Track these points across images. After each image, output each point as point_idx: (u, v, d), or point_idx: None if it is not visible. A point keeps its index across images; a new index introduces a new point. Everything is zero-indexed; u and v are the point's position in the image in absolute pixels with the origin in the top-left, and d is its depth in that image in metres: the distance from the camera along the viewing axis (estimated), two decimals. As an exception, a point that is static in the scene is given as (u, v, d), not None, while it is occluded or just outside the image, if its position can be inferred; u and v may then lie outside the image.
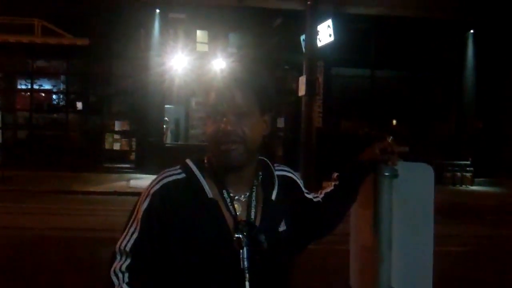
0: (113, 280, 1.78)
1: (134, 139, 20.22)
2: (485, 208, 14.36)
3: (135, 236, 1.81)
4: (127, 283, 1.77)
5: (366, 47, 20.28)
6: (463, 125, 20.98)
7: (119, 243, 1.83)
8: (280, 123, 21.01)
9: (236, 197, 1.85)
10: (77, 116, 20.61)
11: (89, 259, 7.77)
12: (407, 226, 2.03)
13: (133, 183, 16.24)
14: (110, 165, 19.42)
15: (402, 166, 2.03)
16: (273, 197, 1.90)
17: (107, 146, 20.40)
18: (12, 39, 18.38)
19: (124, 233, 1.83)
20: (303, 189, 2.07)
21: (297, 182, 2.05)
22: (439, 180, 18.81)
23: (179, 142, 20.78)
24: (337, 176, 2.13)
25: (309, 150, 15.84)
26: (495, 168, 20.39)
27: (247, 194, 1.87)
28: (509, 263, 8.75)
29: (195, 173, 1.85)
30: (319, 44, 16.73)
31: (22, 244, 8.86)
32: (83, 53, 19.01)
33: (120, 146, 20.46)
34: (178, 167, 1.88)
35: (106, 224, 9.79)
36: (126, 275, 1.78)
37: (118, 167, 19.46)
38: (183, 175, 1.85)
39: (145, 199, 1.82)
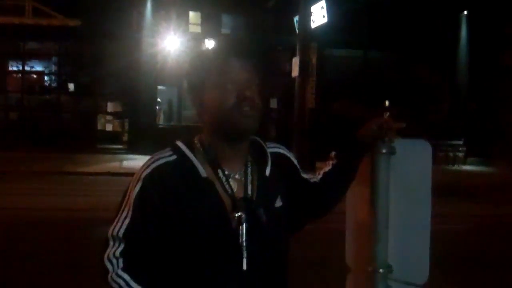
0: (108, 266, 1.75)
1: (126, 120, 20.19)
2: (478, 187, 14.43)
3: (127, 221, 1.77)
4: (122, 269, 1.74)
5: (360, 28, 20.22)
6: (456, 105, 21.04)
7: (111, 229, 1.79)
8: (273, 104, 21.00)
9: (231, 175, 1.83)
10: (69, 98, 20.55)
11: (82, 239, 7.76)
12: (404, 204, 2.01)
13: (126, 163, 16.22)
14: (103, 146, 19.40)
15: (399, 143, 2.02)
16: (267, 173, 1.88)
17: (99, 127, 20.38)
18: (2, 20, 18.24)
19: (116, 219, 1.80)
20: (298, 166, 2.05)
21: (291, 159, 2.04)
22: (432, 160, 18.87)
23: (172, 123, 20.75)
24: (335, 154, 2.10)
25: (302, 131, 15.88)
26: (487, 147, 20.49)
27: (242, 171, 1.85)
28: (505, 241, 8.80)
29: (187, 154, 1.82)
30: (313, 25, 16.69)
31: (15, 225, 8.84)
32: (75, 34, 18.88)
33: (113, 127, 20.43)
34: (168, 149, 1.85)
35: (99, 204, 9.77)
36: (121, 260, 1.75)
37: (111, 148, 19.44)
38: (174, 157, 1.81)
39: (136, 184, 1.78)
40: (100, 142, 19.69)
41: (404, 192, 2.01)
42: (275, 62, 20.25)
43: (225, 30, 20.41)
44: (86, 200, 11.13)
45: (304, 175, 2.07)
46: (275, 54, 20.47)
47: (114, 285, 1.73)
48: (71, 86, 20.59)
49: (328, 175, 2.07)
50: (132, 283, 1.73)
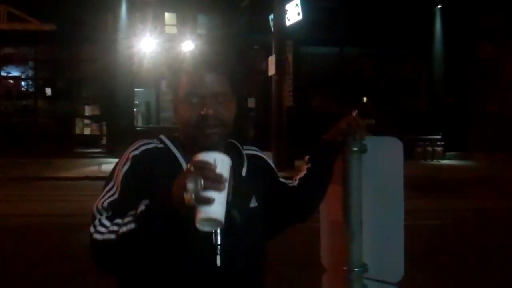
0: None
1: (104, 124, 20.04)
2: (457, 182, 14.56)
3: (114, 197, 1.79)
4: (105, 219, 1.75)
5: (335, 25, 20.28)
6: (433, 100, 21.17)
7: (96, 204, 1.80)
8: (251, 103, 20.97)
9: None
10: (46, 102, 20.36)
11: (61, 245, 7.71)
12: (377, 201, 2.02)
13: (104, 167, 16.09)
14: (81, 150, 19.23)
15: (370, 141, 2.02)
16: (243, 173, 1.92)
17: (77, 131, 20.21)
18: (-24, 26, 18.01)
19: (102, 195, 1.82)
20: (274, 168, 2.09)
21: (267, 161, 2.08)
22: (411, 155, 19.01)
23: (150, 125, 20.65)
24: (308, 158, 2.12)
25: (281, 130, 15.87)
26: (465, 141, 20.66)
27: None
28: (484, 234, 8.87)
29: (169, 146, 1.87)
30: (288, 23, 16.70)
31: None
32: (51, 39, 18.67)
33: (91, 130, 20.27)
34: (155, 139, 1.91)
35: (78, 209, 9.65)
36: (105, 221, 1.76)
37: (89, 152, 19.27)
38: (161, 145, 1.88)
39: (126, 162, 1.83)
40: (78, 146, 19.52)
41: (377, 190, 2.02)
42: (251, 62, 20.26)
43: (201, 31, 20.35)
44: (64, 206, 11.03)
45: (282, 179, 2.09)
46: (251, 53, 20.47)
47: (94, 236, 1.73)
48: (48, 91, 20.39)
49: (304, 180, 2.09)
50: (106, 221, 1.74)
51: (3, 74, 20.33)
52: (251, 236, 1.87)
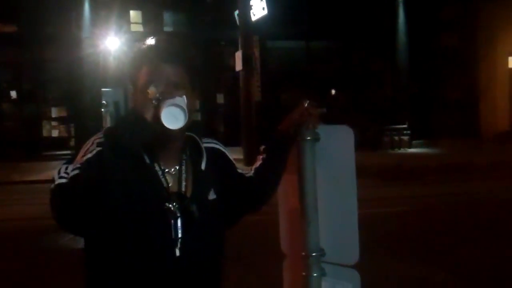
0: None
1: (72, 125, 19.87)
2: (424, 169, 14.75)
3: (75, 172, 1.71)
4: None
5: (300, 19, 20.41)
6: (399, 90, 21.43)
7: (56, 170, 1.78)
8: (220, 99, 20.99)
9: (166, 170, 1.89)
10: (11, 105, 20.13)
11: (32, 249, 7.67)
12: (331, 188, 2.07)
13: (74, 169, 15.97)
14: (49, 153, 19.03)
15: (323, 130, 2.08)
16: (203, 167, 1.95)
17: (45, 134, 20.02)
18: None
19: (60, 167, 1.79)
20: (232, 161, 2.12)
21: (225, 153, 2.10)
22: (378, 145, 19.25)
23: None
24: (263, 149, 2.18)
25: (250, 124, 15.92)
26: (430, 129, 20.98)
27: (177, 167, 1.91)
28: (451, 219, 9.04)
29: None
30: (253, 18, 16.76)
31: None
32: (12, 40, 18.47)
33: (59, 133, 20.09)
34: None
35: (48, 213, 9.58)
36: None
37: (58, 154, 19.04)
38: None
39: (89, 148, 1.75)
40: (46, 149, 19.33)
41: (330, 177, 2.07)
42: (218, 57, 20.27)
43: (167, 28, 20.30)
44: (34, 209, 10.91)
45: (239, 170, 2.13)
46: (218, 49, 20.49)
47: (56, 181, 1.74)
48: (13, 94, 20.15)
49: (259, 170, 2.14)
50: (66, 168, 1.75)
51: (-35, 78, 20.04)
52: (209, 228, 1.91)
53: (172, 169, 1.90)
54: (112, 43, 18.50)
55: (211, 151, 2.02)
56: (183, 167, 1.92)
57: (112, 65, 18.47)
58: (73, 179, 1.69)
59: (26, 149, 18.73)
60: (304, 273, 2.09)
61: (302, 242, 2.10)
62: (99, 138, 1.78)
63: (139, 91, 1.83)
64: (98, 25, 18.87)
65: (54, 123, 20.13)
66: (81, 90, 18.87)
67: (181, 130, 1.76)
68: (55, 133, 20.12)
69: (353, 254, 2.06)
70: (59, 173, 1.76)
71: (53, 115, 20.12)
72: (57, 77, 20.04)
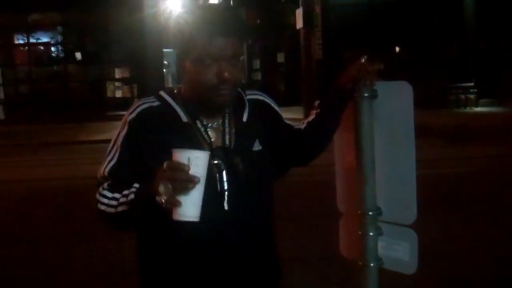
0: (98, 198, 1.89)
1: (135, 86, 20.19)
2: (491, 128, 14.34)
3: (113, 162, 1.89)
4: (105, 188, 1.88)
5: (363, -26, 19.95)
6: (465, 46, 20.78)
7: (99, 170, 1.91)
8: (280, 58, 20.87)
9: (209, 125, 1.91)
10: (76, 67, 20.59)
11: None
12: (388, 146, 2.03)
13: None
14: (113, 113, 19.38)
15: (381, 86, 2.02)
16: (244, 118, 1.96)
17: (109, 94, 20.44)
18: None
19: (104, 160, 1.91)
20: (279, 111, 2.11)
21: (271, 104, 2.10)
22: (444, 103, 18.79)
23: (180, 85, 20.71)
24: (318, 103, 2.14)
25: (310, 84, 15.81)
26: (499, 88, 20.30)
27: (220, 121, 1.93)
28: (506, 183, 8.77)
29: (169, 101, 1.92)
30: (314, -26, 16.49)
31: (33, 195, 9.01)
32: (78, 3, 18.77)
33: (122, 93, 20.48)
34: (153, 96, 1.95)
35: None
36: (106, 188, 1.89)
37: (122, 115, 19.33)
38: (157, 103, 1.92)
39: (124, 127, 1.89)
40: (110, 109, 19.71)
41: (388, 134, 2.03)
42: (279, 15, 20.10)
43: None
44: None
45: (287, 122, 2.13)
46: (279, 7, 20.30)
47: (98, 205, 1.88)
48: (78, 55, 20.60)
49: (311, 123, 2.11)
50: (107, 193, 1.87)
51: (33, 40, 20.52)
52: (256, 179, 1.91)
53: (215, 123, 1.92)
54: (174, 2, 18.54)
55: (254, 103, 2.03)
56: (226, 121, 1.93)
57: (173, 25, 18.52)
58: (122, 214, 1.81)
59: (91, 110, 19.16)
60: (360, 232, 2.06)
61: (359, 200, 2.06)
62: (130, 113, 1.90)
63: (194, 60, 1.83)
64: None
65: (117, 84, 20.52)
66: (143, 51, 19.07)
67: (233, 97, 1.88)
68: (118, 94, 20.51)
69: (410, 213, 2.02)
70: (102, 190, 1.89)
71: (117, 76, 20.49)
72: (120, 38, 20.31)
